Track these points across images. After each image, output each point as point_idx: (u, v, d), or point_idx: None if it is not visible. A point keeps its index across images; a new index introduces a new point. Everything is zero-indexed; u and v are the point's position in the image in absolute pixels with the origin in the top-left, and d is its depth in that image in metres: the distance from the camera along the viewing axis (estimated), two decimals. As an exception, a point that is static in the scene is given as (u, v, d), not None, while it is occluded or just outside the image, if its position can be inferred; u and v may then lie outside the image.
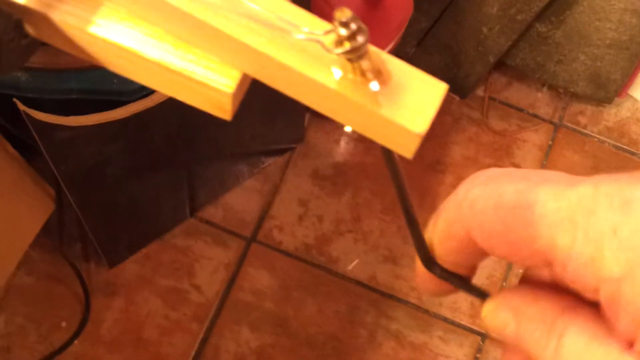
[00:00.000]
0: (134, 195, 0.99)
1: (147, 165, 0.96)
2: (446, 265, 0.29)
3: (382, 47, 1.11)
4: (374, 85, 0.26)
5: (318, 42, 0.25)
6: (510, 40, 1.18)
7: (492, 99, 1.24)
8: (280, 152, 1.16)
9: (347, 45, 0.24)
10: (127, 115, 0.82)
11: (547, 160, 1.20)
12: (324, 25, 0.26)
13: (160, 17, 0.27)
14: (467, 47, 1.20)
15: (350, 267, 1.10)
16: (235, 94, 0.27)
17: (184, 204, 1.08)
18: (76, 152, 0.85)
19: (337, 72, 0.26)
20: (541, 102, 1.24)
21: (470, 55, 1.20)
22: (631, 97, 1.26)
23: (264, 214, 1.12)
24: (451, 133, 1.20)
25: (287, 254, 1.10)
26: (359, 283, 1.09)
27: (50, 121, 0.78)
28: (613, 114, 1.25)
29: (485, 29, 1.19)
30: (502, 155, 1.19)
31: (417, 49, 1.22)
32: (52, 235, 1.04)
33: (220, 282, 1.07)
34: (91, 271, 1.06)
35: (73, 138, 0.82)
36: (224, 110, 0.28)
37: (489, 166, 1.19)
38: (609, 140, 1.22)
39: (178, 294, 1.06)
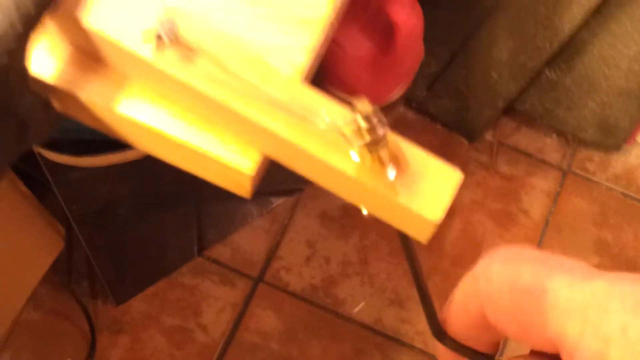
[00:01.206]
0: (143, 234, 1.00)
1: (157, 205, 0.97)
2: (463, 341, 0.29)
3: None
4: (391, 173, 0.26)
5: (341, 133, 0.26)
6: (519, 86, 1.19)
7: (500, 143, 1.25)
8: (289, 192, 1.16)
9: (367, 137, 0.25)
10: (140, 156, 0.83)
11: (555, 207, 1.20)
12: (344, 112, 0.27)
13: (185, 99, 0.28)
14: (476, 91, 1.21)
15: (356, 310, 1.10)
16: (255, 176, 0.28)
17: (192, 242, 1.09)
18: (88, 192, 0.86)
19: (355, 157, 0.27)
20: (550, 147, 1.25)
21: (480, 99, 1.21)
22: (639, 144, 1.26)
23: (271, 254, 1.12)
24: (459, 177, 1.20)
25: (294, 295, 1.10)
26: (364, 326, 1.09)
27: (63, 162, 0.79)
28: (621, 162, 1.25)
29: (495, 74, 1.20)
30: (509, 200, 1.20)
31: (427, 93, 1.23)
32: (61, 272, 1.04)
33: (227, 322, 1.07)
34: (98, 308, 1.06)
35: (86, 179, 0.83)
36: (244, 189, 0.29)
37: (496, 211, 1.20)
38: (617, 188, 1.22)
39: (184, 333, 1.06)
